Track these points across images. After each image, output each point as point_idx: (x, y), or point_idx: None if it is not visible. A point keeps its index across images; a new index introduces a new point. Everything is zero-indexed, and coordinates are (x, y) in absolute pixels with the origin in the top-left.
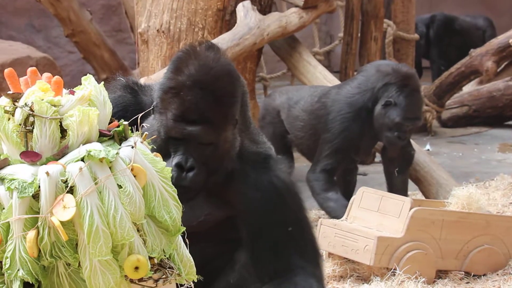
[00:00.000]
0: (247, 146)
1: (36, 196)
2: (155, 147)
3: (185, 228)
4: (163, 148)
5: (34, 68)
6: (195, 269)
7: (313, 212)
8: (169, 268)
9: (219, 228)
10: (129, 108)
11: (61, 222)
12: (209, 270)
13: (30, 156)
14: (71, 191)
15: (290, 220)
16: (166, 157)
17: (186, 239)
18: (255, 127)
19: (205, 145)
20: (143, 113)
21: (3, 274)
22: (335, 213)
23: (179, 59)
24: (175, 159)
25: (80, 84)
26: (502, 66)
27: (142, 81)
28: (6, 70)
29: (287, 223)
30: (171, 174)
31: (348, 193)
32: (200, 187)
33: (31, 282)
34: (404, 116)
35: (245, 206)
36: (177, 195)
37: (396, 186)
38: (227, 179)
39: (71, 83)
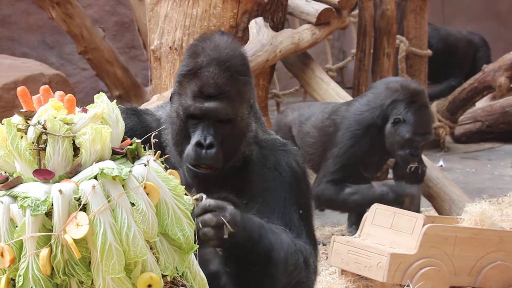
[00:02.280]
0: (261, 135)
1: (49, 214)
2: (167, 166)
3: (198, 246)
4: (183, 130)
5: (47, 86)
6: (208, 286)
7: (326, 229)
8: (182, 286)
9: None
10: (137, 128)
11: (74, 240)
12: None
13: (43, 174)
14: (84, 209)
15: (302, 203)
16: (185, 140)
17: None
18: (265, 121)
19: (223, 122)
20: (155, 131)
21: None
22: (366, 201)
23: (194, 45)
24: (194, 138)
25: (93, 101)
26: None
27: (155, 98)
28: (18, 89)
29: (299, 205)
30: (184, 192)
31: (361, 212)
32: (219, 166)
33: None
34: (414, 131)
35: (262, 185)
36: (196, 179)
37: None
38: (244, 166)
39: (84, 100)
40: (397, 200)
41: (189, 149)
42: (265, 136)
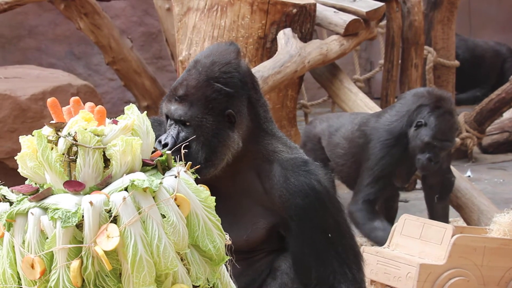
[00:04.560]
0: (281, 151)
1: (79, 226)
2: (199, 177)
3: (229, 257)
4: (165, 128)
5: (77, 97)
6: None
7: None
8: None
9: (268, 239)
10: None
11: (105, 252)
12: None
13: (74, 185)
14: (115, 220)
15: (330, 225)
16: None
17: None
18: (284, 135)
19: (186, 126)
20: (185, 142)
21: None
22: (385, 242)
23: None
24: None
25: (121, 111)
26: None
27: None
28: (49, 100)
29: (327, 229)
30: (214, 204)
31: (389, 220)
32: None
33: None
34: (433, 136)
35: (287, 212)
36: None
37: (437, 213)
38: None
39: (112, 110)
40: None
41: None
42: (286, 155)
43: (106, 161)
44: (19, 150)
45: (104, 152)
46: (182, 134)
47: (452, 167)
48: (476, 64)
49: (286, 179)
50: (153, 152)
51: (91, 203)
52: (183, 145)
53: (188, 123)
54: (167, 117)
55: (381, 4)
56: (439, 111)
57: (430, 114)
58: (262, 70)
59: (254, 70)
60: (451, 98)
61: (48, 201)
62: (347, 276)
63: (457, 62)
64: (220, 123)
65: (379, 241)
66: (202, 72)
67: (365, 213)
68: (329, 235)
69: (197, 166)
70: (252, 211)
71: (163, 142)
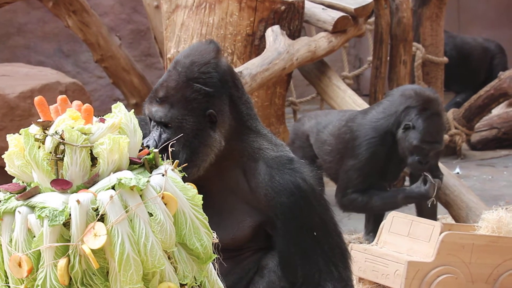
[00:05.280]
0: (266, 149)
1: (67, 224)
2: (186, 175)
3: (216, 255)
4: (149, 131)
5: (64, 96)
6: None
7: (344, 236)
8: None
9: (254, 237)
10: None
11: (92, 250)
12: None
13: (61, 184)
14: (102, 219)
15: (316, 224)
16: None
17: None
18: (269, 132)
19: (167, 127)
20: (173, 140)
21: None
22: (394, 204)
23: None
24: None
25: (109, 109)
26: None
27: None
28: (36, 98)
29: (313, 227)
30: (202, 202)
31: (378, 217)
32: None
33: None
34: (422, 139)
35: (273, 210)
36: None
37: (425, 210)
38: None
39: (100, 107)
40: (424, 193)
41: None
42: (271, 153)
43: (93, 159)
44: (6, 148)
45: (91, 150)
46: (164, 136)
47: (440, 164)
48: (464, 61)
49: (271, 177)
50: (140, 150)
51: (78, 201)
52: (170, 144)
53: (169, 125)
54: (150, 119)
55: (369, 1)
56: (427, 113)
57: (418, 116)
58: (250, 68)
59: (242, 67)
60: (438, 99)
61: (35, 200)
62: (333, 274)
63: (445, 59)
64: (201, 123)
65: (391, 207)
66: (181, 72)
67: (361, 197)
68: (315, 233)
69: (183, 166)
70: (238, 209)
71: (145, 144)
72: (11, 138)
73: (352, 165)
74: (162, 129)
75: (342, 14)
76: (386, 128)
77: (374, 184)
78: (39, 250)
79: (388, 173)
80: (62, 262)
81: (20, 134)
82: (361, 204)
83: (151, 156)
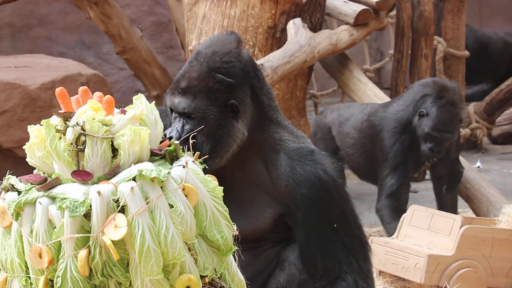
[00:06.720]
0: (288, 140)
1: (87, 215)
2: (207, 167)
3: (236, 248)
4: (170, 123)
5: (85, 87)
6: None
7: (364, 230)
8: (220, 287)
9: (274, 228)
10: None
11: (113, 242)
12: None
13: (82, 175)
14: (123, 210)
15: (336, 215)
16: None
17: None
18: (290, 124)
19: (190, 118)
20: (193, 132)
21: None
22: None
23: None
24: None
25: (130, 101)
26: None
27: None
28: (57, 90)
29: (333, 219)
30: (222, 194)
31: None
32: None
33: None
34: (433, 127)
35: (293, 202)
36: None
37: (446, 204)
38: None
39: (122, 99)
40: None
41: None
42: (293, 144)
43: (114, 151)
44: (28, 139)
45: (112, 142)
46: (187, 127)
47: (461, 158)
48: (485, 55)
49: (292, 168)
50: (161, 142)
51: (99, 192)
52: (191, 135)
53: (192, 116)
54: (172, 110)
55: None
56: (441, 101)
57: (433, 104)
58: (272, 60)
59: (263, 60)
60: (456, 88)
61: (56, 191)
62: (353, 266)
63: (467, 53)
64: (224, 114)
65: None
66: (203, 63)
67: (389, 211)
68: (335, 225)
69: (204, 157)
70: (259, 200)
71: (168, 136)
72: (32, 129)
73: (381, 160)
74: (184, 120)
75: (363, 7)
76: (407, 119)
77: (406, 174)
78: (60, 241)
79: (411, 165)
80: (83, 253)
81: (41, 125)
82: (386, 217)
83: (172, 147)
